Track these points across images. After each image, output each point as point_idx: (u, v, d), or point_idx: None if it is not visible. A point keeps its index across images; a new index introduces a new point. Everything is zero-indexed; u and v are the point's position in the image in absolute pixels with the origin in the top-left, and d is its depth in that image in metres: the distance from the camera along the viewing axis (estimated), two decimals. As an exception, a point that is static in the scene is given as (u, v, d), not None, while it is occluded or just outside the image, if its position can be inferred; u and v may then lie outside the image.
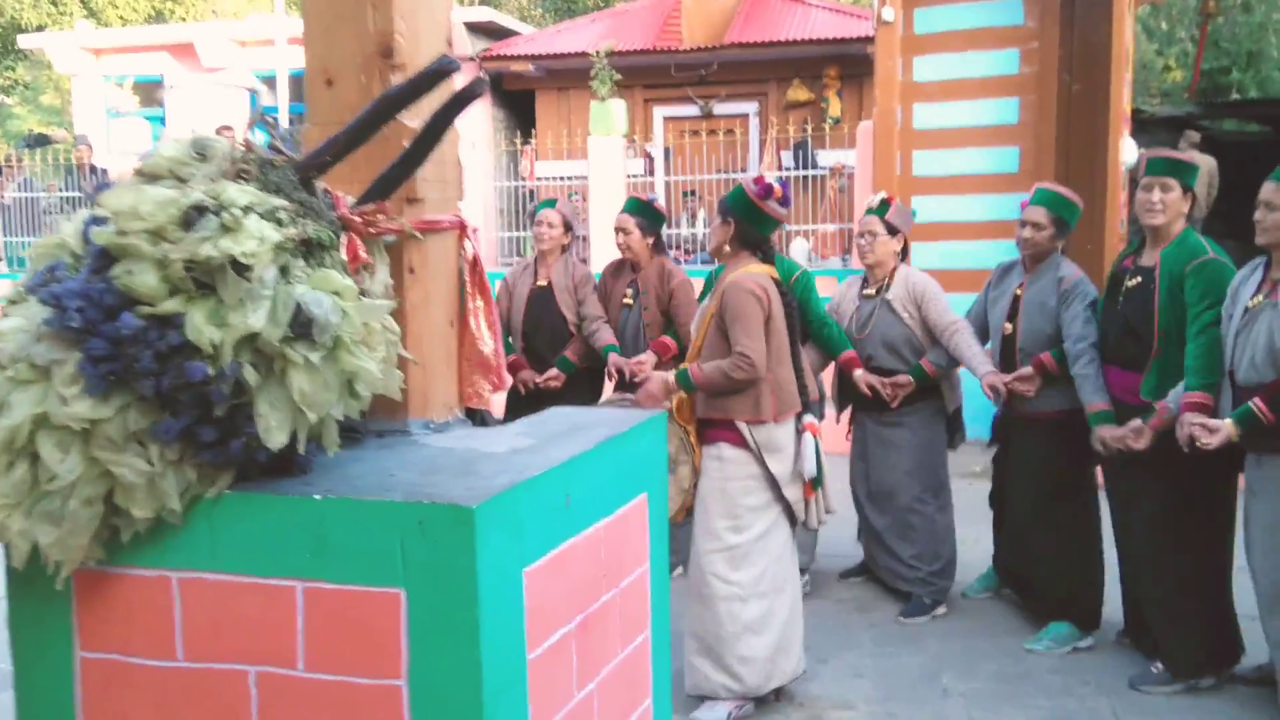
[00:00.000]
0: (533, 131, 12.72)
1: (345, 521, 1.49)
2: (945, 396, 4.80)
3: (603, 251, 9.68)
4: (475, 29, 13.08)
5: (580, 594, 1.73)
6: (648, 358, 5.15)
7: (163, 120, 13.98)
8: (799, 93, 12.81)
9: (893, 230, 4.75)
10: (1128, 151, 7.80)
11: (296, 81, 13.43)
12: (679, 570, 4.67)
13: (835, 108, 12.55)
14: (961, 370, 4.78)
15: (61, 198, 11.54)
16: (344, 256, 1.69)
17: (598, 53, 10.72)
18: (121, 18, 20.15)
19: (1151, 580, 4.01)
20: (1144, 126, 11.29)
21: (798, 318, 3.85)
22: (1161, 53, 19.34)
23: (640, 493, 1.95)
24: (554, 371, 5.39)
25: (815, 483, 3.73)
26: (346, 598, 1.49)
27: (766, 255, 3.82)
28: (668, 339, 5.23)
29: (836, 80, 12.71)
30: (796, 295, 4.17)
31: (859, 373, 4.73)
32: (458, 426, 1.95)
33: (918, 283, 4.71)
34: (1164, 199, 3.92)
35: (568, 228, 5.59)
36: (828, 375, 5.08)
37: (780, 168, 11.71)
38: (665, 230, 5.71)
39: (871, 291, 4.82)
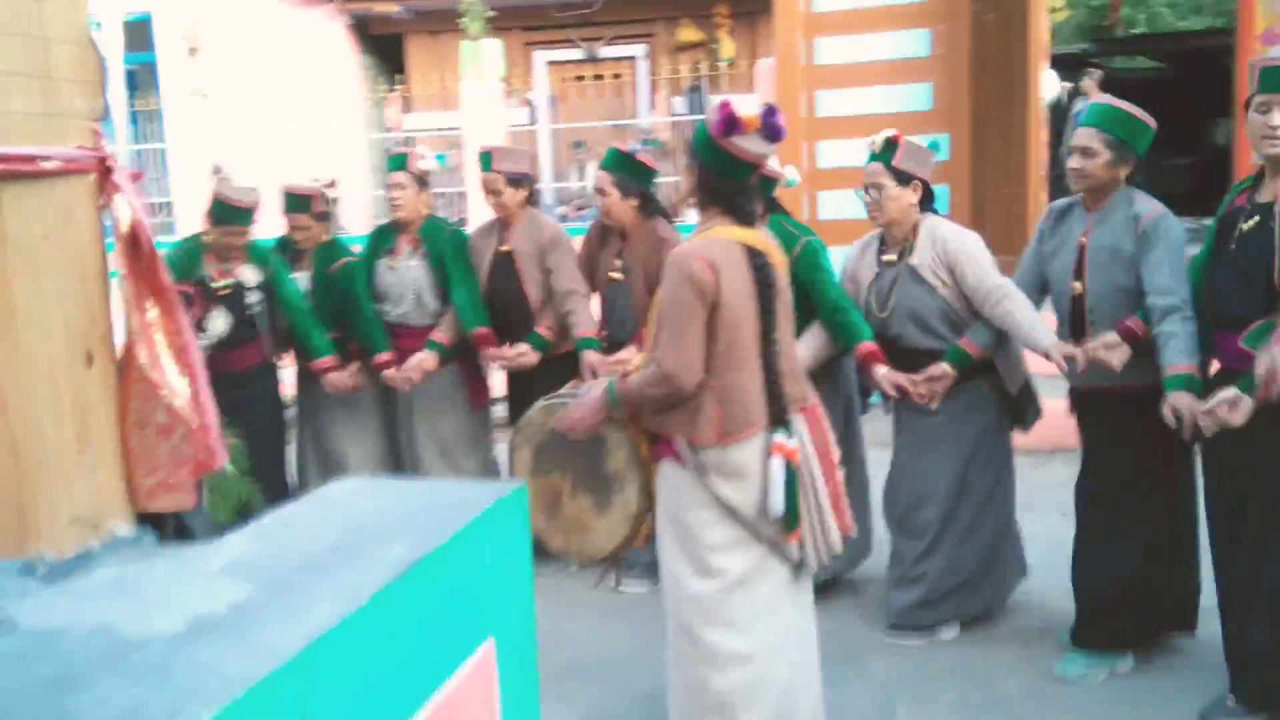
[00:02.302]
0: (397, 78, 11.64)
1: None
2: (1003, 375, 3.84)
3: (482, 211, 8.76)
4: (334, -33, 11.91)
5: None
6: (628, 355, 4.24)
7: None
8: (689, 33, 12.00)
9: (905, 178, 3.76)
10: (1048, 85, 7.20)
11: (130, 29, 12.08)
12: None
13: (728, 48, 11.78)
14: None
15: None
16: None
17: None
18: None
19: (1268, 593, 3.14)
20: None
21: (777, 300, 2.89)
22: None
23: (483, 640, 1.14)
24: (523, 347, 4.58)
25: (788, 523, 2.82)
26: None
27: (742, 213, 2.88)
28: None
29: (728, 18, 11.93)
30: (800, 273, 3.20)
31: (882, 371, 3.80)
32: (114, 554, 1.11)
33: (949, 240, 3.75)
34: None
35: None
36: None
37: (672, 113, 10.91)
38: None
39: (893, 256, 3.86)
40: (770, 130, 2.80)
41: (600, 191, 4.41)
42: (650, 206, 4.43)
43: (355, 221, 10.43)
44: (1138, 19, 18.49)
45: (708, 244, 2.83)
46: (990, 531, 3.90)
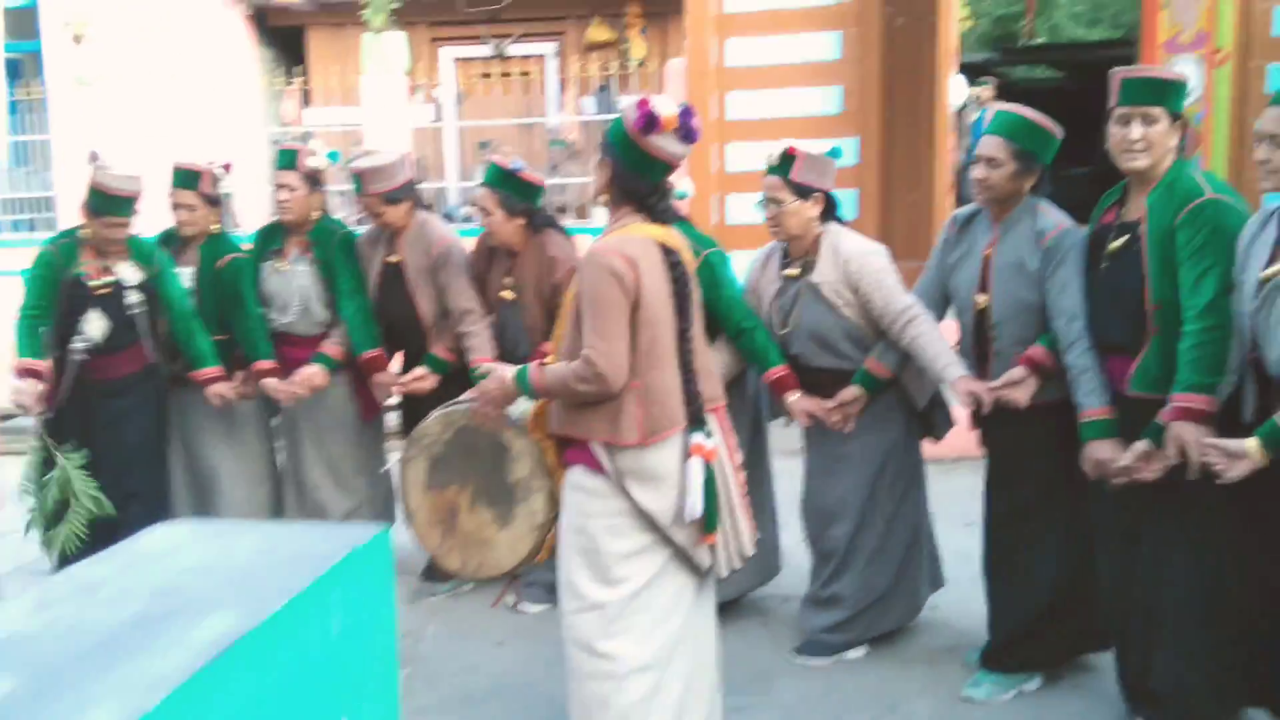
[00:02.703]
0: (297, 70, 11.24)
1: None
2: (909, 389, 3.74)
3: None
4: (232, -45, 11.45)
5: None
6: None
7: None
8: (599, 32, 11.79)
9: (804, 191, 3.58)
10: (956, 91, 7.20)
11: (12, 16, 11.49)
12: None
13: (639, 48, 11.60)
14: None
15: None
16: None
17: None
18: None
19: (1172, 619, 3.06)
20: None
21: (692, 297, 2.83)
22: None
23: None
24: (420, 371, 4.35)
25: (708, 524, 2.74)
26: None
27: (657, 212, 2.81)
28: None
29: (640, 18, 11.74)
30: (702, 288, 3.08)
31: (794, 398, 3.69)
32: None
33: (851, 259, 3.58)
34: (1148, 134, 2.96)
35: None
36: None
37: (581, 113, 10.73)
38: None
39: (795, 271, 3.71)
40: (687, 131, 2.75)
41: (483, 210, 4.17)
42: (537, 222, 4.21)
43: (250, 219, 10.03)
44: (1040, 29, 18.85)
45: (625, 241, 2.74)
46: (901, 547, 3.81)
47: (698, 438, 2.74)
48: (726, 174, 7.31)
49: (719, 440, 2.83)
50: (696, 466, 2.71)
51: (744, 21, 7.38)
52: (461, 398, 3.28)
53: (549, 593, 4.12)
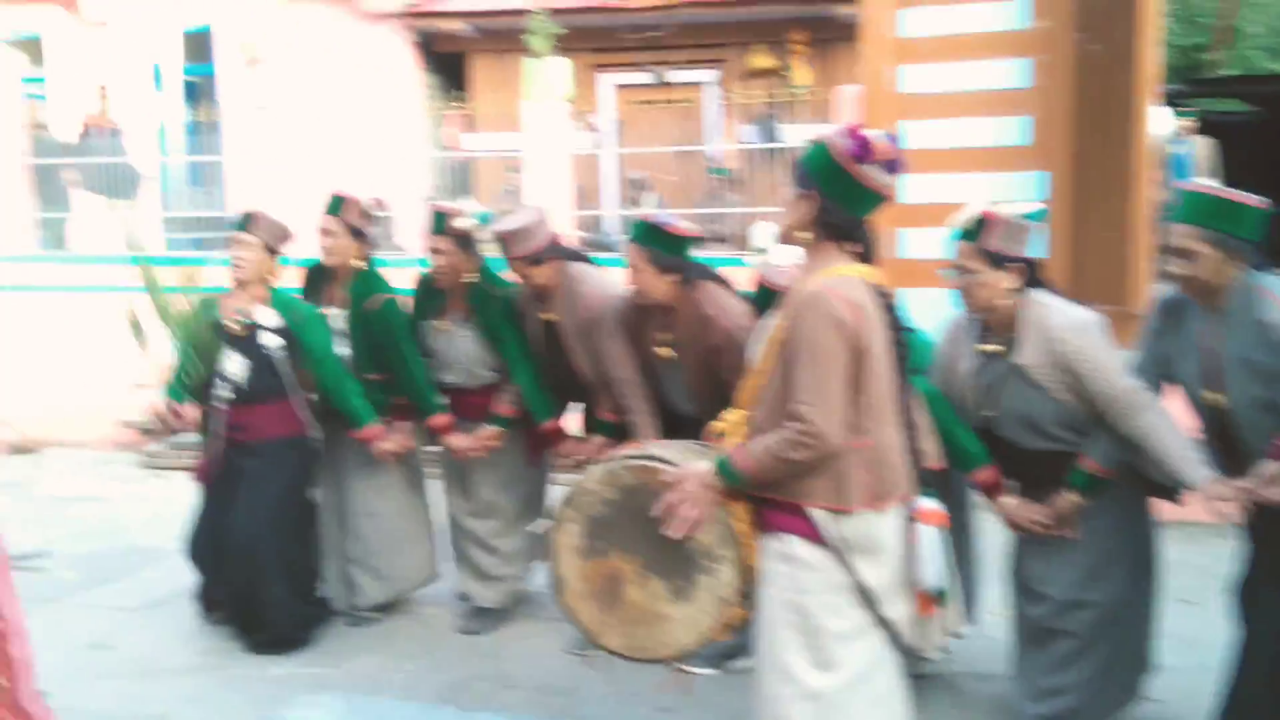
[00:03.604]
0: (460, 96, 11.30)
1: None
2: (1141, 466, 3.23)
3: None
4: (401, -17, 11.65)
5: None
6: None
7: (40, 81, 12.36)
8: (761, 59, 11.57)
9: (998, 260, 3.18)
10: (1159, 121, 6.66)
11: (191, 40, 11.91)
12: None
13: (802, 75, 11.34)
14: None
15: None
16: None
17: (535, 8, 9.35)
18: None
19: None
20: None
21: (909, 344, 2.59)
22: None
23: None
24: (600, 441, 4.14)
25: (941, 597, 2.52)
26: None
27: (866, 249, 2.57)
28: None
29: (803, 45, 11.49)
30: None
31: (1011, 504, 3.34)
32: None
33: (1062, 338, 3.14)
34: None
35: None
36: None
37: (740, 141, 10.48)
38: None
39: (996, 348, 3.29)
40: (896, 160, 2.50)
41: (632, 268, 3.79)
42: (690, 276, 3.79)
43: (410, 242, 10.09)
44: (1228, 60, 17.80)
45: (842, 282, 2.46)
46: (1129, 632, 3.37)
47: (923, 501, 2.51)
48: (901, 206, 6.92)
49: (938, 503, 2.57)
50: (930, 533, 2.48)
51: (923, 46, 6.99)
52: (627, 451, 2.95)
53: (714, 658, 3.82)
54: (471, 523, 4.56)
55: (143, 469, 7.90)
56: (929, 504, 2.51)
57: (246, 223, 4.32)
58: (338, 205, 4.41)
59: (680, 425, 3.79)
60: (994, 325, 3.30)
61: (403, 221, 10.17)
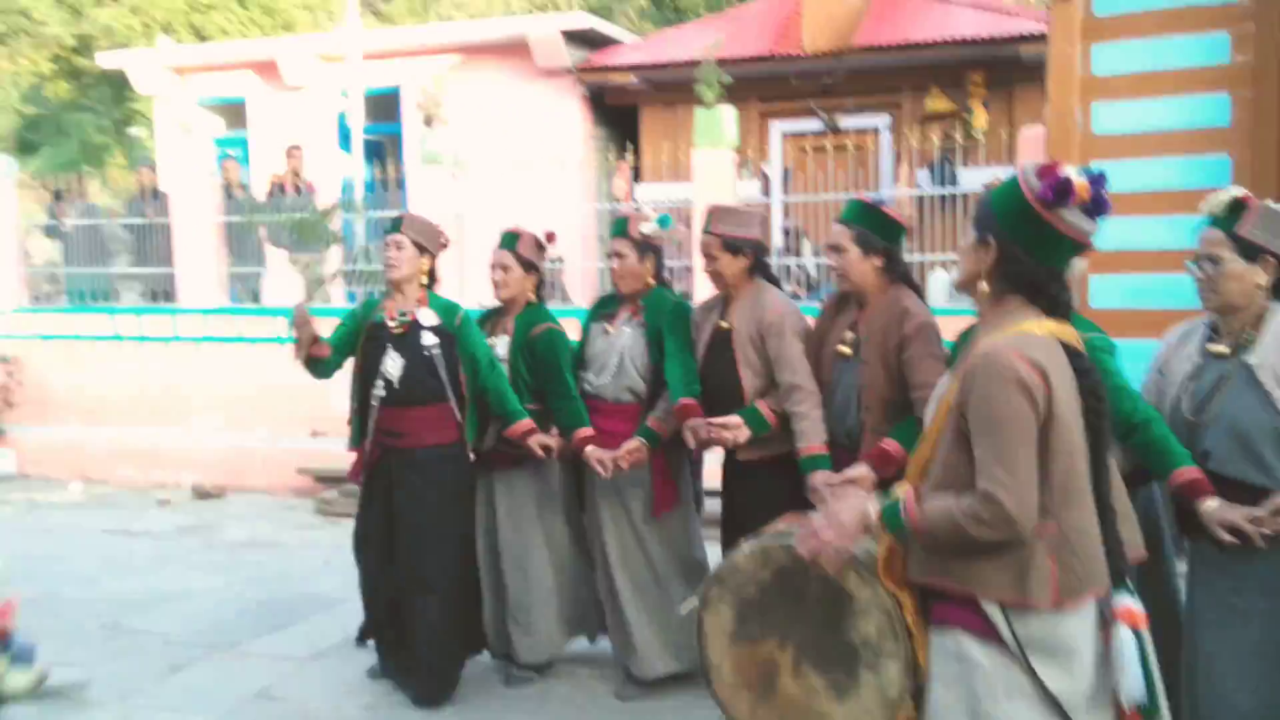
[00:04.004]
0: (629, 147, 11.36)
1: None
2: None
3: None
4: (573, 37, 11.84)
5: None
6: (862, 472, 3.36)
7: (242, 142, 13.10)
8: (938, 103, 11.20)
9: (1252, 251, 2.85)
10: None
11: (375, 101, 12.40)
12: None
13: (980, 119, 10.91)
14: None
15: (124, 224, 10.65)
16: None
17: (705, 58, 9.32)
18: (224, 30, 19.39)
19: None
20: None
21: (1109, 419, 2.28)
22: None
23: None
24: (735, 420, 3.90)
25: (1147, 712, 2.17)
26: None
27: (1057, 304, 2.25)
28: (891, 445, 3.41)
29: (982, 88, 11.07)
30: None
31: (1211, 505, 2.79)
32: None
33: None
34: None
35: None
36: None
37: (915, 186, 10.14)
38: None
39: (1224, 348, 2.95)
40: (1099, 203, 2.20)
41: (836, 249, 3.63)
42: (895, 269, 3.66)
43: (578, 292, 10.16)
44: None
45: (1026, 341, 2.16)
46: None
47: (1122, 599, 2.18)
48: (1094, 252, 6.51)
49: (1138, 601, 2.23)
50: (1129, 637, 2.14)
51: (1115, 84, 6.56)
52: (779, 529, 2.71)
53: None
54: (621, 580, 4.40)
55: (318, 515, 8.12)
56: (1129, 601, 2.19)
57: (398, 224, 4.36)
58: (511, 240, 4.42)
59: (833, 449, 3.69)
60: (1229, 328, 2.93)
61: (573, 273, 10.25)
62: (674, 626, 4.28)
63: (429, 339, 4.26)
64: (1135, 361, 3.31)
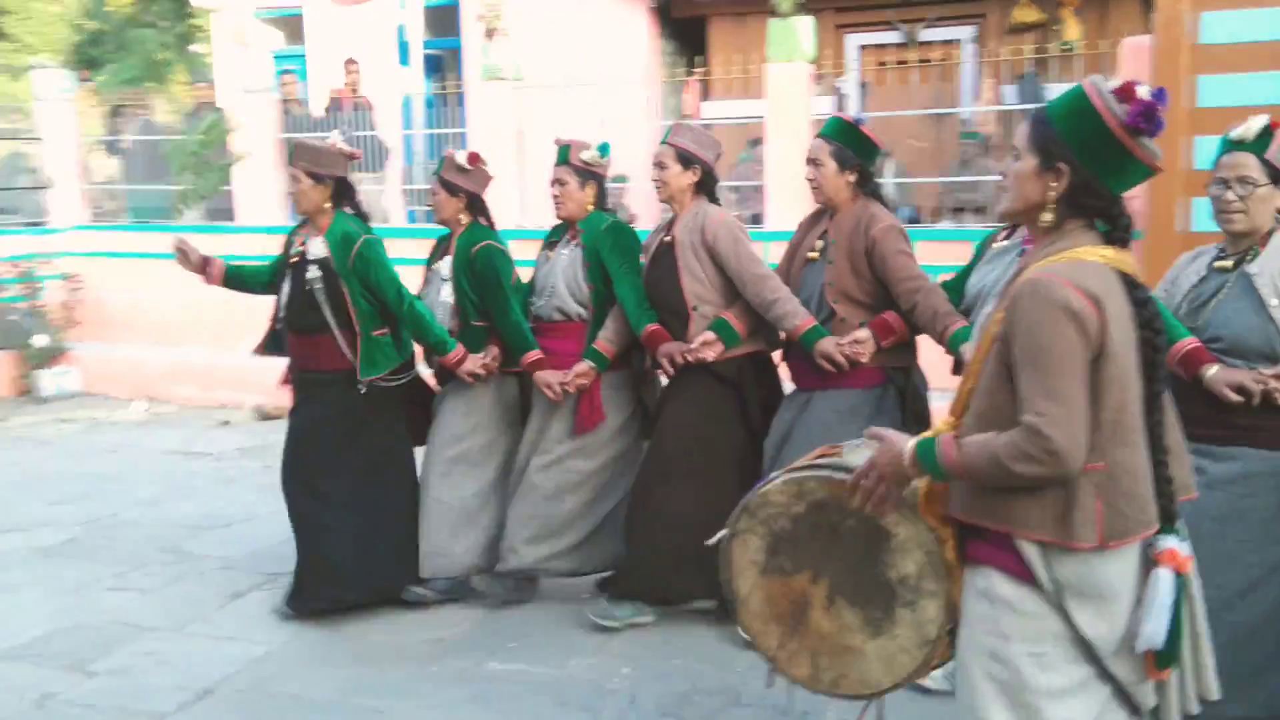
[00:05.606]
0: (697, 62, 10.90)
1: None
2: None
3: (783, 208, 7.91)
4: (639, -53, 11.37)
5: None
6: (862, 334, 3.84)
7: (300, 58, 12.85)
8: (1027, 13, 10.59)
9: (1276, 175, 3.01)
10: None
11: (435, 14, 12.05)
12: None
13: (1072, 30, 10.30)
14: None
15: (183, 139, 10.48)
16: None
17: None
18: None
19: None
20: None
21: (1164, 349, 2.10)
22: None
23: None
24: (709, 336, 4.13)
25: (1165, 659, 2.00)
26: None
27: (1119, 231, 2.08)
28: (892, 317, 3.86)
29: (1074, -3, 10.43)
30: None
31: (1212, 371, 3.03)
32: None
33: None
34: None
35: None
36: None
37: (1000, 103, 9.61)
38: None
39: (1227, 263, 3.15)
40: (1156, 124, 2.03)
41: (814, 162, 3.95)
42: (867, 185, 3.98)
43: (643, 212, 9.84)
44: None
45: (1079, 269, 1.99)
46: None
47: (1168, 541, 2.03)
48: (1195, 171, 6.06)
49: (1189, 545, 2.07)
50: (1166, 580, 1.99)
51: (1229, -10, 6.07)
52: (814, 459, 2.55)
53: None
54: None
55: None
56: (1173, 543, 2.02)
57: (293, 154, 4.41)
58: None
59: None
60: (1235, 247, 3.14)
61: (639, 194, 9.92)
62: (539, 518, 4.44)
63: (312, 272, 4.33)
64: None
